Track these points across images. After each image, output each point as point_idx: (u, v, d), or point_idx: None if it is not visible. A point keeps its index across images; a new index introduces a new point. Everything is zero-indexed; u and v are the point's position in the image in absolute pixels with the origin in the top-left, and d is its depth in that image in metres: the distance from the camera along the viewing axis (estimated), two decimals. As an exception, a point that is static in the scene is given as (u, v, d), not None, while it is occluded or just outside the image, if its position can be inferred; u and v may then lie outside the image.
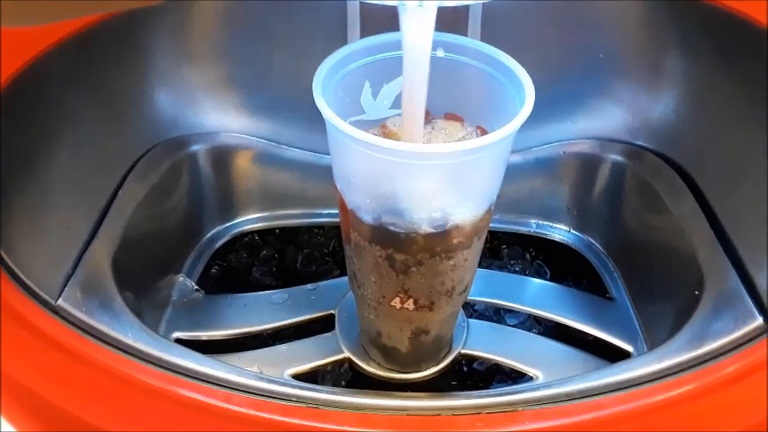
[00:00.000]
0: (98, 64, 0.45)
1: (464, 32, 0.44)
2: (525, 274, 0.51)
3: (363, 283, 0.36)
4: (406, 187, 0.30)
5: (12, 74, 0.40)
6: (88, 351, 0.34)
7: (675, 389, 0.33)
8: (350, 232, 0.34)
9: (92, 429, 0.31)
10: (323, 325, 0.45)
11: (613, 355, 0.43)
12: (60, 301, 0.36)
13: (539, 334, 0.46)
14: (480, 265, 0.39)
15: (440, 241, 0.32)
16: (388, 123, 0.35)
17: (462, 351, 0.43)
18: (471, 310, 0.48)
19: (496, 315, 0.48)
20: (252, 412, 0.32)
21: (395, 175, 0.30)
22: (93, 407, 0.32)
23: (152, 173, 0.47)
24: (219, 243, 0.53)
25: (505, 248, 0.53)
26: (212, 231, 0.54)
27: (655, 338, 0.44)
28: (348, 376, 0.43)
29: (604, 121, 0.51)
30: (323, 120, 0.29)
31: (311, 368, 0.42)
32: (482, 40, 0.33)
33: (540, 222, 0.54)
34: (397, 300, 0.35)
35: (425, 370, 0.41)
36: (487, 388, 0.43)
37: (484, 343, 0.43)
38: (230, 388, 0.33)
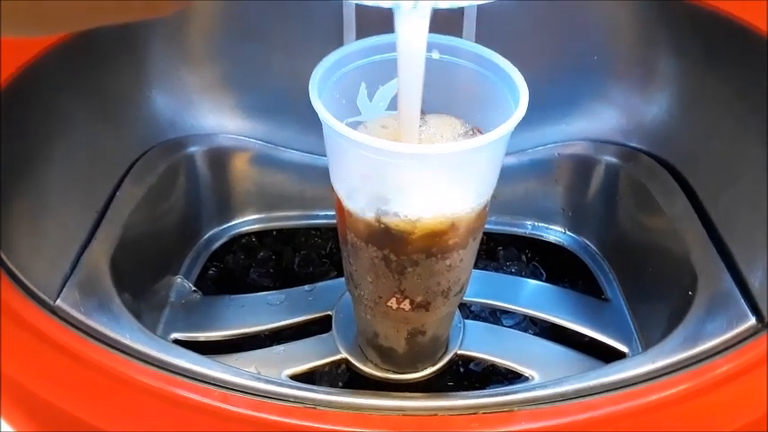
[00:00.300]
0: (96, 66, 0.45)
1: (459, 34, 0.44)
2: (521, 276, 0.51)
3: (360, 283, 0.36)
4: (402, 187, 0.30)
5: (9, 75, 0.40)
6: (86, 351, 0.34)
7: (669, 389, 0.33)
8: (346, 233, 0.34)
9: (90, 429, 0.31)
10: (320, 326, 0.45)
11: (608, 356, 0.44)
12: (59, 302, 0.36)
13: (534, 335, 0.46)
14: (476, 267, 0.39)
15: (435, 242, 0.32)
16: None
17: (459, 352, 0.43)
18: (467, 311, 0.48)
19: (492, 316, 0.48)
20: (249, 412, 0.32)
21: (391, 175, 0.30)
22: (91, 407, 0.32)
23: (149, 174, 0.48)
24: (217, 244, 0.54)
25: (501, 250, 0.53)
26: (210, 233, 0.54)
27: (649, 339, 0.44)
28: (345, 377, 0.43)
29: (598, 123, 0.52)
30: (319, 121, 0.30)
31: (308, 369, 0.42)
32: (477, 41, 0.34)
33: (536, 224, 0.54)
34: (394, 300, 0.35)
35: (422, 370, 0.42)
36: (484, 388, 0.43)
37: (480, 344, 0.43)
38: (228, 388, 0.33)
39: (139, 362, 0.34)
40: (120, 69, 0.48)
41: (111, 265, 0.41)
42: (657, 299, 0.45)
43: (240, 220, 0.55)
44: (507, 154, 0.32)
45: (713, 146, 0.46)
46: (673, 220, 0.45)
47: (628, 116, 0.51)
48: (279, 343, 0.44)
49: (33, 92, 0.42)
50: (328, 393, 0.34)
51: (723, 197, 0.44)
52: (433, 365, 0.42)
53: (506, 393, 0.34)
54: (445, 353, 0.43)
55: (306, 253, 0.53)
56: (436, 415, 0.33)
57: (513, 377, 0.43)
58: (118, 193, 0.45)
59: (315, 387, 0.35)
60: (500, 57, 0.33)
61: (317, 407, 0.33)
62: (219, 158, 0.52)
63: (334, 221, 0.36)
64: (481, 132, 0.34)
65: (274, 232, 0.55)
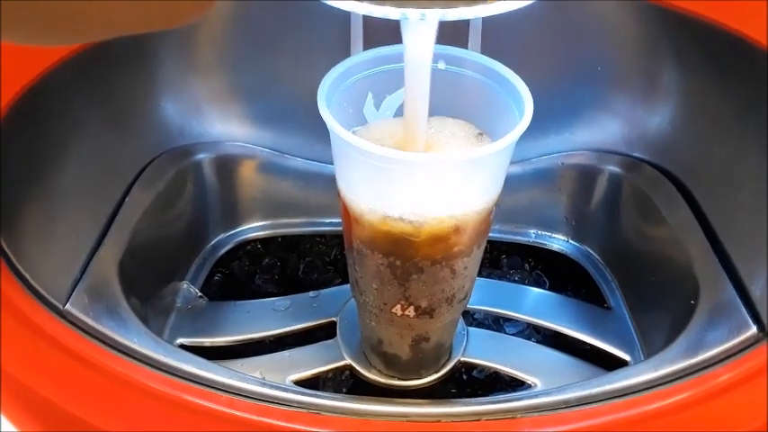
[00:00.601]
0: (109, 75, 0.46)
1: (465, 45, 0.45)
2: (524, 284, 0.51)
3: (365, 290, 0.36)
4: (408, 194, 0.30)
5: (24, 86, 0.41)
6: (95, 355, 0.34)
7: (671, 397, 0.33)
8: (352, 240, 0.34)
9: (97, 432, 0.31)
10: (325, 332, 0.45)
11: (610, 364, 0.44)
12: (68, 306, 0.37)
13: (537, 342, 0.47)
14: (480, 275, 0.39)
15: (440, 247, 0.32)
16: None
17: (462, 359, 0.43)
18: (471, 318, 0.48)
19: (496, 324, 0.48)
20: (254, 417, 0.32)
21: (397, 182, 0.30)
22: (99, 410, 0.32)
23: (158, 181, 0.48)
24: (223, 251, 0.54)
25: (505, 258, 0.54)
26: (216, 239, 0.54)
27: (651, 347, 0.44)
28: (349, 383, 0.43)
29: (602, 134, 0.52)
30: (325, 130, 0.30)
31: (313, 374, 0.42)
32: (482, 52, 0.34)
33: (539, 232, 0.55)
34: (399, 307, 0.36)
35: (426, 377, 0.42)
36: (487, 395, 0.43)
37: (483, 351, 0.44)
38: (233, 393, 0.34)
39: (146, 366, 0.34)
40: (132, 78, 0.48)
41: (120, 270, 0.41)
42: (660, 307, 0.45)
43: (246, 227, 0.55)
44: (512, 163, 0.32)
45: (715, 156, 0.46)
46: (675, 230, 0.45)
47: (631, 126, 0.51)
48: (283, 349, 0.44)
49: (48, 100, 0.42)
50: (332, 399, 0.34)
51: (725, 207, 0.44)
52: (437, 372, 0.42)
53: (509, 400, 0.34)
54: (449, 360, 0.43)
55: (311, 260, 0.53)
56: (439, 421, 0.33)
57: (515, 384, 0.43)
58: (127, 200, 0.46)
59: (319, 393, 0.36)
60: (505, 67, 0.33)
61: (321, 412, 0.33)
62: (226, 166, 0.53)
63: (339, 229, 0.36)
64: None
65: (280, 239, 0.55)
